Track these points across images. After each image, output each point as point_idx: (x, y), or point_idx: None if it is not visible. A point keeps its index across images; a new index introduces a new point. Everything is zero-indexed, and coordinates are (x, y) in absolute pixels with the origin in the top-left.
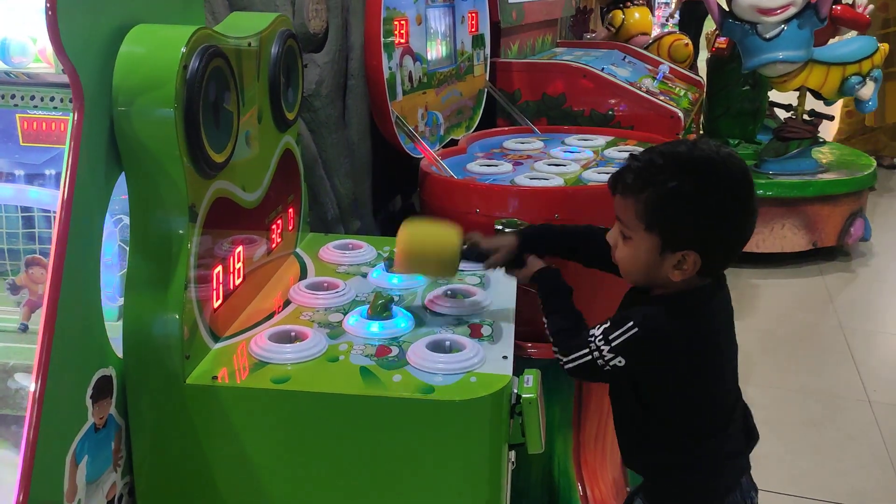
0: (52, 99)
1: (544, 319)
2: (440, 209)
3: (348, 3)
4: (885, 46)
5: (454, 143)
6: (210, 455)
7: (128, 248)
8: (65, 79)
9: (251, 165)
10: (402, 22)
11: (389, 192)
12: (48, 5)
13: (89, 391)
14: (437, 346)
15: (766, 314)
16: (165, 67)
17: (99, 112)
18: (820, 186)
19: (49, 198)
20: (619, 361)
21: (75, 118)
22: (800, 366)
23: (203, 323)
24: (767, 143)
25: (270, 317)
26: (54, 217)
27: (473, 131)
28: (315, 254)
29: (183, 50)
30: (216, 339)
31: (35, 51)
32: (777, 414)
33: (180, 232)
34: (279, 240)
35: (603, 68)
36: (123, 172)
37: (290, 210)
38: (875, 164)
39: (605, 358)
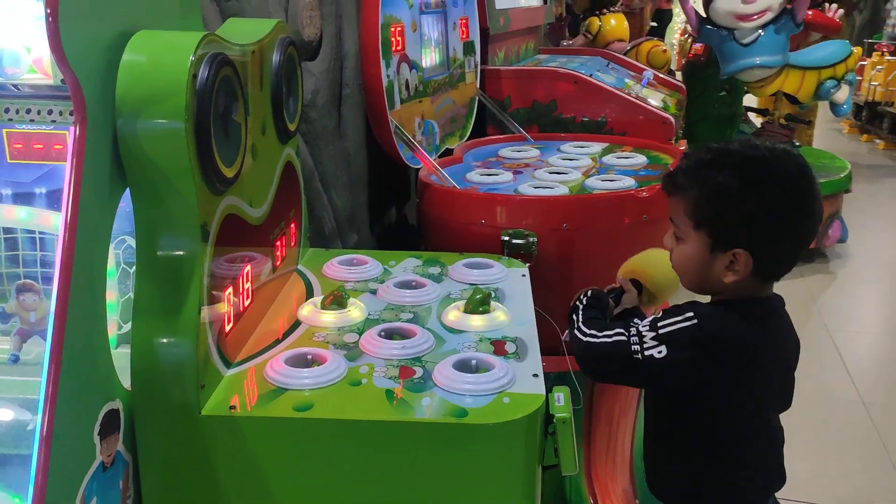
0: (51, 112)
1: (578, 305)
2: (441, 220)
3: (342, 10)
4: (858, 50)
5: (449, 152)
6: (227, 490)
7: (130, 271)
8: (63, 91)
9: (256, 180)
10: (399, 28)
11: (385, 204)
12: (49, 11)
13: (97, 427)
14: (463, 366)
15: None
16: (174, 76)
17: (101, 125)
18: None
19: (39, 218)
20: (659, 351)
21: (77, 132)
22: None
23: (216, 348)
24: None
25: (280, 340)
26: (39, 239)
27: (467, 140)
28: (318, 270)
29: (192, 58)
30: (228, 365)
31: (30, 61)
32: None
33: (192, 253)
34: (283, 257)
35: (591, 74)
36: (127, 190)
37: (293, 225)
38: (849, 167)
39: (645, 344)
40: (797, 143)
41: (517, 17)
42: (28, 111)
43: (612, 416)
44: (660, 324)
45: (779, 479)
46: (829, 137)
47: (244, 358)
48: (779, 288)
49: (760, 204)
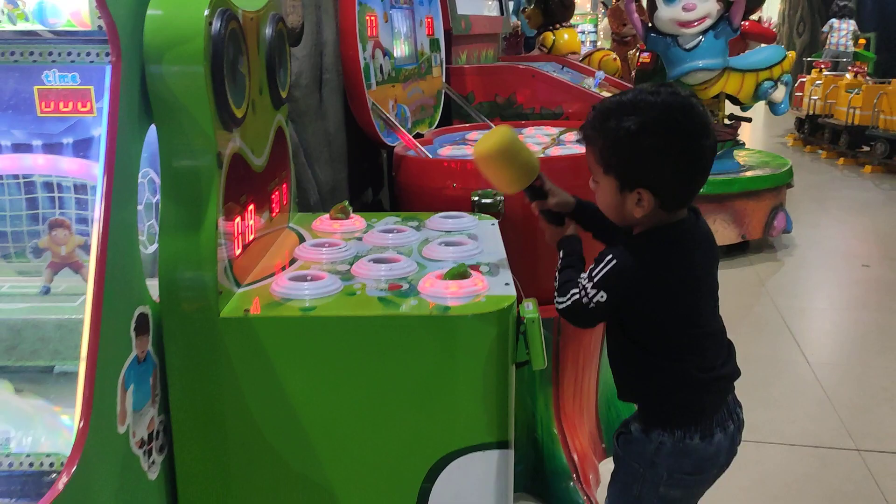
0: (88, 54)
1: (557, 275)
2: (417, 188)
3: (320, 1)
4: (791, 53)
5: (420, 136)
6: (243, 386)
7: (154, 200)
8: (98, 35)
9: (256, 131)
10: (373, 17)
11: (362, 182)
12: None
13: (133, 324)
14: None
15: None
16: (193, 26)
17: (131, 68)
18: (744, 183)
19: (68, 165)
20: (601, 297)
21: (113, 64)
22: (743, 338)
23: (228, 268)
24: None
25: (282, 270)
26: (59, 184)
27: (436, 127)
28: (308, 226)
29: (206, 11)
30: (238, 285)
31: (68, 14)
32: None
33: (209, 176)
34: (278, 210)
35: (549, 71)
36: (153, 125)
37: (284, 185)
38: (790, 163)
39: (590, 295)
40: (741, 141)
41: (477, 22)
42: (69, 53)
43: (577, 362)
44: (593, 273)
45: (728, 378)
46: (775, 150)
47: (252, 281)
48: (731, 276)
49: (653, 147)
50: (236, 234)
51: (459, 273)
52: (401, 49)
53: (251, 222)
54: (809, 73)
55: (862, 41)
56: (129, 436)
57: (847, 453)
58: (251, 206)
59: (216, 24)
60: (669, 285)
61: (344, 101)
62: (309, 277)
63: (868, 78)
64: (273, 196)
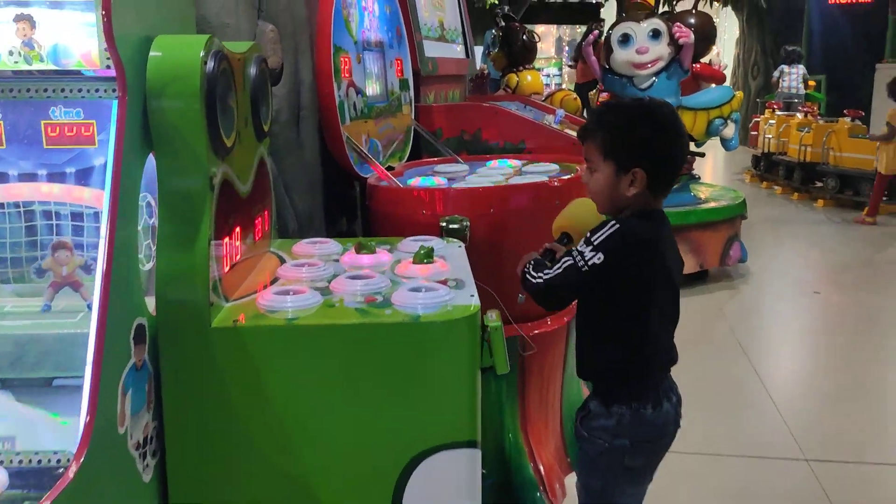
0: (97, 91)
1: (525, 267)
2: (390, 215)
3: (298, 44)
4: (739, 93)
5: (391, 169)
6: (231, 391)
7: (150, 223)
8: (106, 74)
9: (242, 160)
10: (346, 59)
11: (337, 211)
12: (104, 13)
13: (132, 334)
14: (415, 290)
15: None
16: (190, 66)
17: (133, 103)
18: (700, 214)
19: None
20: (598, 258)
21: (120, 99)
22: (701, 360)
23: (218, 283)
24: None
25: (265, 287)
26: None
27: (406, 161)
28: (288, 250)
29: (202, 53)
30: (226, 300)
31: (78, 55)
32: (684, 392)
33: (202, 197)
34: (261, 234)
35: (512, 109)
36: (151, 153)
37: (266, 212)
38: (744, 196)
39: (587, 257)
40: (697, 175)
41: (444, 64)
42: (80, 90)
43: (542, 376)
44: (592, 238)
45: (673, 359)
46: (733, 186)
47: (238, 297)
48: (691, 303)
49: (646, 134)
50: (225, 254)
51: (426, 254)
52: (373, 88)
53: (238, 243)
54: (763, 113)
55: (812, 83)
56: (128, 437)
57: (796, 463)
58: (238, 229)
59: (210, 65)
60: (655, 254)
61: (320, 135)
62: (292, 292)
63: (818, 117)
64: (257, 221)
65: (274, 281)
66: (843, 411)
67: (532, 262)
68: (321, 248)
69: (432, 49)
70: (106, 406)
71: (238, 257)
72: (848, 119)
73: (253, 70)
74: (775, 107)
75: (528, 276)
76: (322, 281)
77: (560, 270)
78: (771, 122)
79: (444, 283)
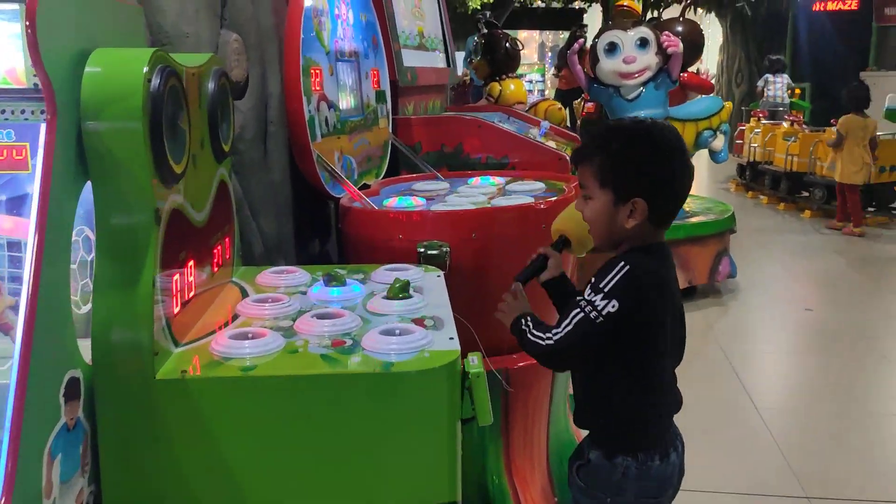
0: (23, 112)
1: (524, 328)
2: (364, 239)
3: (265, 55)
4: (728, 104)
5: (366, 187)
6: (179, 451)
7: (88, 259)
8: (33, 93)
9: (197, 186)
10: (318, 70)
11: (309, 234)
12: (28, 23)
13: (62, 390)
14: (388, 333)
15: None
16: (132, 83)
17: (66, 126)
18: (689, 229)
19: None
20: (613, 306)
21: (48, 121)
22: (692, 383)
23: (166, 326)
24: None
25: (222, 328)
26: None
27: (382, 178)
28: (252, 280)
29: (146, 68)
30: (177, 344)
31: (3, 71)
32: (677, 420)
33: (147, 232)
34: (220, 264)
35: (493, 122)
36: (89, 182)
37: (227, 239)
38: (732, 209)
39: (598, 307)
40: None
41: (424, 74)
42: (2, 112)
43: (527, 414)
44: (600, 285)
45: (679, 403)
46: (718, 196)
47: (191, 339)
48: None
49: (649, 161)
50: (175, 292)
51: (401, 288)
52: (346, 101)
53: (191, 278)
54: (748, 121)
55: (798, 91)
56: None
57: (797, 501)
58: (191, 263)
59: (155, 82)
60: (665, 295)
61: (289, 153)
62: (250, 335)
63: (804, 126)
64: (215, 250)
65: (234, 318)
66: (842, 443)
67: (530, 320)
68: (287, 278)
69: (411, 58)
70: (27, 478)
71: (191, 294)
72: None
73: (211, 85)
74: (760, 115)
75: (529, 337)
76: (286, 319)
77: (570, 327)
78: (756, 130)
79: (420, 322)
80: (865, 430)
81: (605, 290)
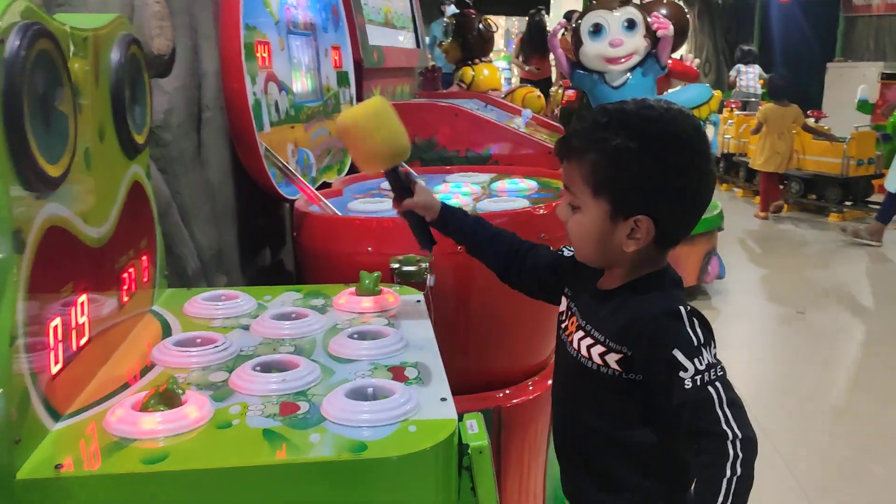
0: None
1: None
2: (323, 252)
3: (197, 23)
4: (718, 93)
5: (327, 185)
6: None
7: None
8: None
9: (94, 193)
10: (265, 44)
11: (258, 243)
12: None
13: None
14: (357, 395)
15: None
16: None
17: None
18: None
19: None
20: (720, 367)
21: None
22: None
23: (38, 395)
24: None
25: (128, 385)
26: None
27: (346, 175)
28: (178, 310)
29: None
30: (57, 417)
31: None
32: None
33: (4, 263)
34: (132, 292)
35: (472, 109)
36: None
37: (144, 258)
38: (720, 206)
39: (712, 364)
40: None
41: (391, 54)
42: None
43: (522, 459)
44: (693, 344)
45: None
46: None
47: (80, 408)
48: None
49: (661, 166)
50: (54, 343)
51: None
52: (301, 83)
53: (82, 319)
54: (721, 112)
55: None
56: None
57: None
58: (82, 297)
59: (13, 44)
60: None
61: (230, 145)
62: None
63: None
64: (123, 275)
65: (146, 370)
66: (857, 466)
67: (735, 480)
68: (225, 307)
69: (377, 36)
70: None
71: (84, 341)
72: (812, 120)
73: (116, 55)
74: (733, 106)
75: (737, 481)
76: (219, 370)
77: (725, 406)
78: (730, 121)
79: (400, 371)
80: (879, 452)
81: (702, 344)
